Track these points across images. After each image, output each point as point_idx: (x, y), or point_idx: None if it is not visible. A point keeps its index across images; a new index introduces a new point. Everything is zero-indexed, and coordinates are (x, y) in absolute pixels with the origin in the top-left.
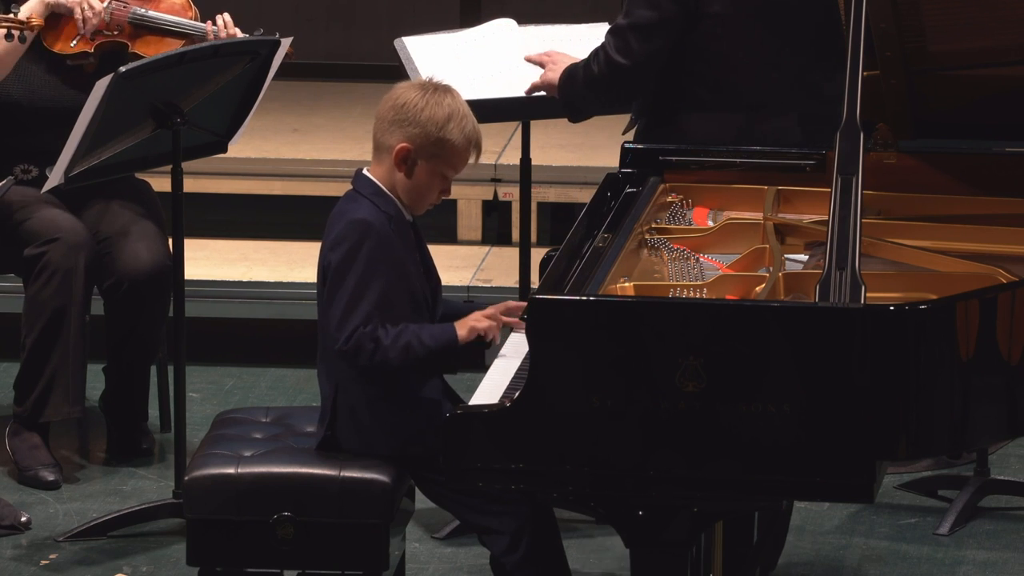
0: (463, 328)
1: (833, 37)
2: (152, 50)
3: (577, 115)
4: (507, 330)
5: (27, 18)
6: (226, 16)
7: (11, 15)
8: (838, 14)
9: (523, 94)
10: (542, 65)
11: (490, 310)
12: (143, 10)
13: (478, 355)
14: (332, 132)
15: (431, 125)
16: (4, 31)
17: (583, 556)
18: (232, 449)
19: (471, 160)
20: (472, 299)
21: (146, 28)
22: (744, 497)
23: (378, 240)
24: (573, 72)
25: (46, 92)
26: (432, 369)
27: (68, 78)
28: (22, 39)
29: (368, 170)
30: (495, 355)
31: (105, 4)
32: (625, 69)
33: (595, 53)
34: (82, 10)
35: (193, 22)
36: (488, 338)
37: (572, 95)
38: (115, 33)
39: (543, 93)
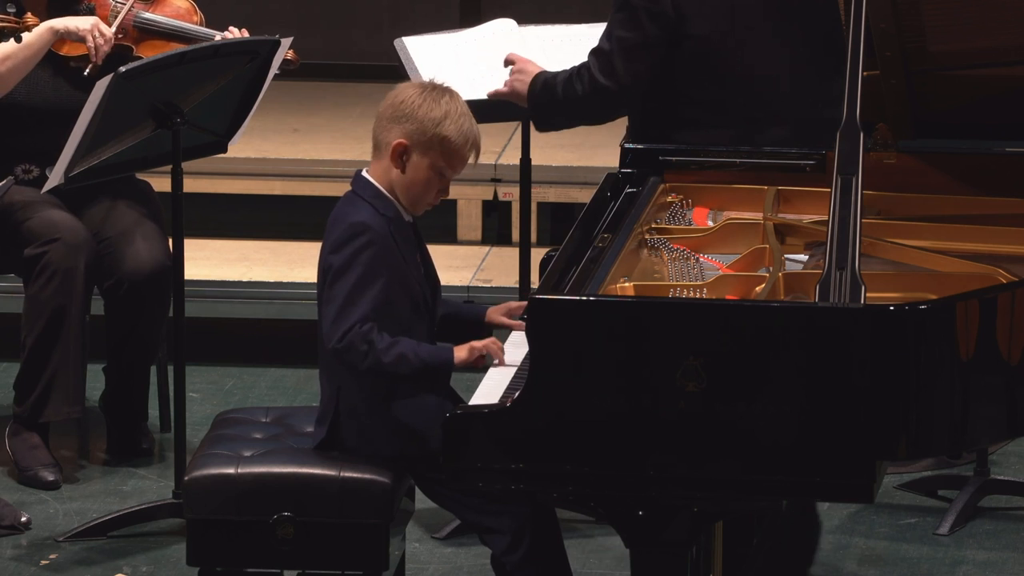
0: (463, 350)
1: (834, 42)
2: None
3: (546, 125)
4: (506, 331)
5: (24, 18)
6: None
7: (7, 15)
8: (839, 16)
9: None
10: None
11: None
12: (148, 14)
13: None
14: (332, 132)
15: (427, 121)
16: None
17: (583, 556)
18: (232, 449)
19: (470, 160)
20: (472, 299)
21: (151, 32)
22: (744, 497)
23: (377, 244)
24: (550, 84)
25: (47, 92)
26: (424, 380)
27: (69, 79)
28: (18, 39)
29: (367, 171)
30: None
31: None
32: (610, 91)
33: (578, 72)
34: (93, 38)
35: (198, 27)
36: (490, 355)
37: (547, 106)
38: (120, 36)
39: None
